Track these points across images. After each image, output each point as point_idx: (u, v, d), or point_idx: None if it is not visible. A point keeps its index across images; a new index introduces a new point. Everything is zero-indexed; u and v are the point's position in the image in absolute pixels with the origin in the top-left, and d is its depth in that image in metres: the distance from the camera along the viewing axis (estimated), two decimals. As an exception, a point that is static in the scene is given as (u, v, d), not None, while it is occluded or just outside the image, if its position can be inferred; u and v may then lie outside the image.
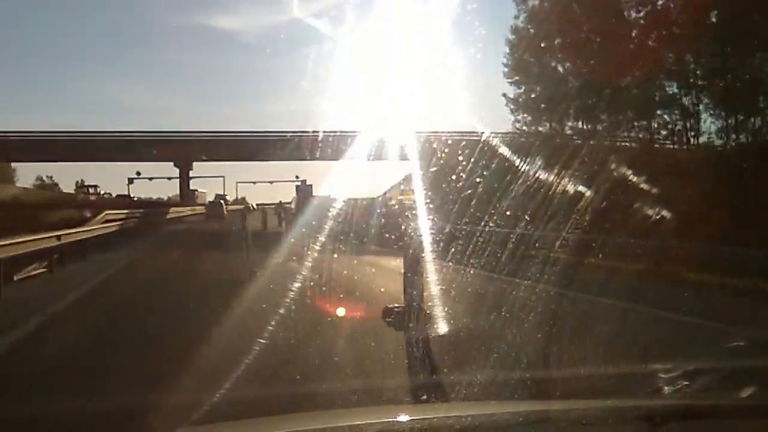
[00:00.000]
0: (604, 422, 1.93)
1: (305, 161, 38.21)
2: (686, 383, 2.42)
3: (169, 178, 49.73)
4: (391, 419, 1.94)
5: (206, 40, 75.65)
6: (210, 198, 53.04)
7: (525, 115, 28.18)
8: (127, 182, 50.63)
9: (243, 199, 58.75)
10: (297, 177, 43.71)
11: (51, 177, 58.34)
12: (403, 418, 1.93)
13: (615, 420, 1.94)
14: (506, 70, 28.61)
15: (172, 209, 40.38)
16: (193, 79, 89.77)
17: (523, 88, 28.46)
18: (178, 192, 48.54)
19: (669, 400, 2.33)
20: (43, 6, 72.85)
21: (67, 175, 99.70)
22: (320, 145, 25.80)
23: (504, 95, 27.91)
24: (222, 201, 45.49)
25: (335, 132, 25.18)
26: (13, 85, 78.59)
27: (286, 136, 34.49)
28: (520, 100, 28.80)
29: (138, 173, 50.12)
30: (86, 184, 48.88)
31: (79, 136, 41.59)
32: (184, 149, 42.46)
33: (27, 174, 69.92)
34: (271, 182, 57.32)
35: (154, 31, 75.86)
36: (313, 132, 34.99)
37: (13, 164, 56.10)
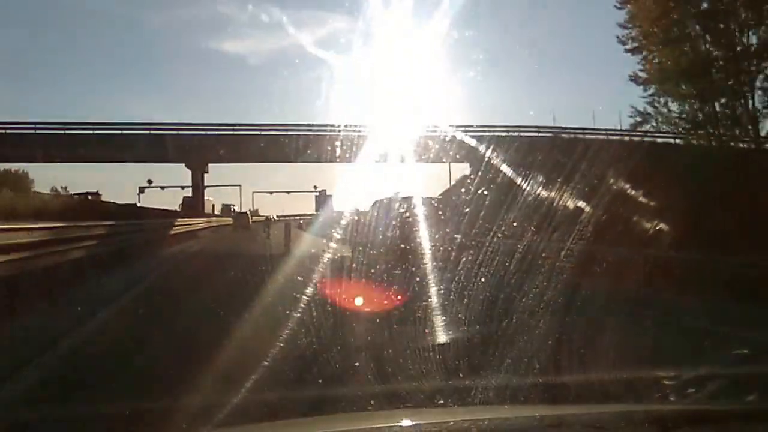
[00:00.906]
0: (617, 427, 1.90)
1: (328, 162, 32.16)
2: (697, 389, 2.53)
3: (183, 187, 43.61)
4: (406, 423, 1.92)
5: (215, 64, 71.79)
6: (218, 209, 49.20)
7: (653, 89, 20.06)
8: (137, 191, 44.88)
9: (256, 211, 53.03)
10: (315, 187, 38.57)
11: (65, 188, 53.83)
12: (419, 421, 1.93)
13: (627, 425, 1.91)
14: (623, 34, 20.26)
15: (179, 221, 32.85)
16: (204, 100, 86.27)
17: (647, 55, 20.10)
18: (189, 198, 41.78)
19: (681, 405, 2.48)
20: (62, 33, 69.44)
21: (84, 186, 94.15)
22: (357, 142, 20.08)
23: (642, 61, 19.63)
24: (247, 211, 46.34)
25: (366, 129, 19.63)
26: (27, 106, 74.92)
27: (310, 128, 28.32)
28: (639, 77, 20.47)
29: (150, 181, 44.20)
30: (87, 191, 42.90)
31: (75, 128, 35.40)
32: (197, 147, 35.80)
33: (46, 185, 66.05)
34: (288, 192, 51.60)
35: (166, 55, 72.22)
36: (345, 126, 28.45)
37: (30, 175, 51.78)
